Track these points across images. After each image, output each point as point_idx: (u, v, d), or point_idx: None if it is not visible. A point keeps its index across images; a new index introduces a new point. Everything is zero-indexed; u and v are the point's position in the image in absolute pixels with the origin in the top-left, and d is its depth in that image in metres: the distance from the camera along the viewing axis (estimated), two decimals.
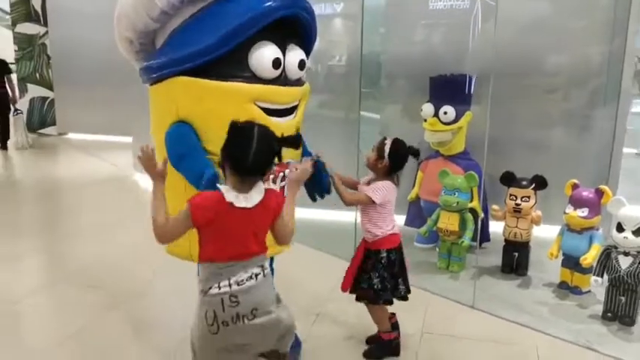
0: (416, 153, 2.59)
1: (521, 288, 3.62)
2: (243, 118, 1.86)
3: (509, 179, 3.74)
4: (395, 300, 2.60)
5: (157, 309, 3.28)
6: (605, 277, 3.16)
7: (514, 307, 3.30)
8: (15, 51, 9.64)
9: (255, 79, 2.19)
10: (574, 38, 4.39)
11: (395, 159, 2.52)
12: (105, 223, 4.95)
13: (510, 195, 3.71)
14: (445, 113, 3.98)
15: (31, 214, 5.58)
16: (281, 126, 2.22)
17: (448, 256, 3.86)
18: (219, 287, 1.79)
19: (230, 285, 1.79)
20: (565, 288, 3.54)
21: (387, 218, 2.58)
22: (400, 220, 4.16)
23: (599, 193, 3.34)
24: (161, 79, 2.24)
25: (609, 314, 3.15)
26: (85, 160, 7.92)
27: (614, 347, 2.86)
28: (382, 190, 2.51)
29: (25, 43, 9.54)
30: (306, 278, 3.61)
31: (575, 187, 3.47)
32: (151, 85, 2.34)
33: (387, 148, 2.52)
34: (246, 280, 1.82)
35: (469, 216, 3.78)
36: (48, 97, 9.80)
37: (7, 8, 10.02)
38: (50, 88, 9.76)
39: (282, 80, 2.27)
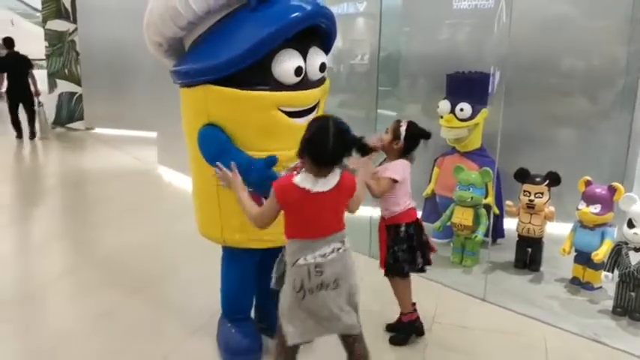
0: (428, 135, 2.72)
1: (533, 283, 3.68)
2: (267, 123, 2.30)
3: (523, 176, 3.79)
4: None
5: (180, 293, 3.42)
6: (616, 272, 3.20)
7: (525, 300, 3.36)
8: (45, 47, 9.92)
9: (278, 85, 2.33)
10: (593, 38, 4.39)
11: (410, 140, 2.67)
12: (129, 212, 5.16)
13: (524, 191, 3.76)
14: (461, 110, 4.04)
15: (59, 203, 5.87)
16: (300, 126, 2.31)
17: (462, 251, 3.92)
18: (306, 259, 2.03)
19: (315, 257, 2.03)
20: (577, 284, 3.59)
21: (405, 194, 2.73)
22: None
23: (612, 190, 3.38)
24: (190, 85, 2.43)
25: (619, 309, 3.20)
26: (110, 154, 8.14)
27: (621, 341, 2.91)
28: (400, 168, 2.66)
29: (55, 39, 9.81)
30: None
31: (588, 183, 3.52)
32: (181, 87, 2.52)
33: (402, 130, 2.66)
34: (329, 253, 2.05)
35: (483, 211, 3.85)
36: (76, 93, 10.06)
37: (39, 6, 10.32)
38: (78, 83, 10.01)
39: (304, 84, 2.40)
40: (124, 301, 3.28)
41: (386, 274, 2.80)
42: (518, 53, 4.43)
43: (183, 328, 2.96)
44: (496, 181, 4.18)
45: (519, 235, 3.86)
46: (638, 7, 4.22)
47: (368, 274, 2.90)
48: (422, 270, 2.78)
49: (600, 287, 3.50)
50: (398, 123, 2.70)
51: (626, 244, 3.16)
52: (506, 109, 4.54)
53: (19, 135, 9.27)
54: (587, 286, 3.54)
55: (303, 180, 1.98)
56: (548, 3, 4.51)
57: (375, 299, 3.04)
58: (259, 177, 2.28)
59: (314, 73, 2.43)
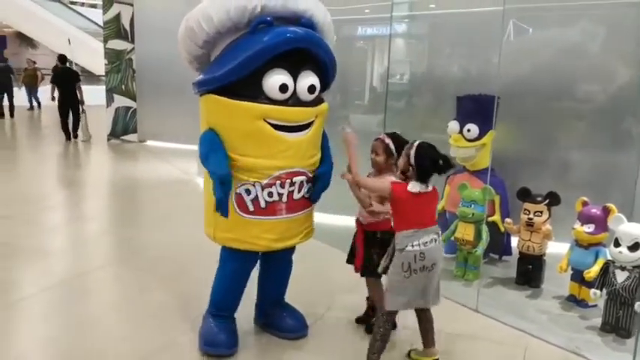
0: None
1: (529, 298, 3.81)
2: (251, 131, 2.65)
3: (524, 194, 3.95)
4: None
5: (195, 288, 3.75)
6: (605, 290, 3.32)
7: (517, 314, 3.51)
8: (105, 64, 10.73)
9: (267, 99, 2.64)
10: (604, 62, 4.51)
11: (401, 149, 2.90)
12: (165, 216, 5.72)
13: (524, 209, 3.92)
14: (469, 131, 4.25)
15: (108, 205, 6.55)
16: (289, 141, 2.70)
17: (464, 265, 4.10)
18: (412, 246, 2.58)
19: (419, 245, 2.58)
20: (573, 301, 3.70)
21: None
22: None
23: (606, 211, 3.50)
24: (201, 94, 2.80)
25: (607, 326, 3.31)
26: (157, 165, 8.73)
27: (601, 355, 3.04)
28: (384, 181, 2.88)
29: (113, 57, 10.59)
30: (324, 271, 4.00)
31: (584, 204, 3.65)
32: (199, 95, 2.88)
33: (391, 146, 2.90)
34: (429, 242, 2.61)
35: (484, 227, 4.02)
36: (131, 107, 10.78)
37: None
38: (134, 99, 10.73)
39: (293, 101, 2.69)
40: (149, 291, 3.69)
41: (362, 275, 3.06)
42: (532, 77, 4.64)
43: (190, 318, 3.29)
44: (504, 200, 4.37)
45: (520, 252, 4.00)
46: None
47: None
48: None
49: (595, 305, 3.60)
50: (383, 142, 2.92)
51: (614, 262, 3.28)
52: (517, 132, 4.75)
53: (68, 138, 10.82)
54: (582, 304, 3.64)
55: (413, 187, 2.57)
56: (562, 29, 4.67)
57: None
58: (215, 184, 2.65)
59: (303, 93, 2.70)
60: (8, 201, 6.08)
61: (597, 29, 4.59)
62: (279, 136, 2.68)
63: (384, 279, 2.90)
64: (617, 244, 3.23)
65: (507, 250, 4.44)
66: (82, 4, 31.20)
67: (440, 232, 2.72)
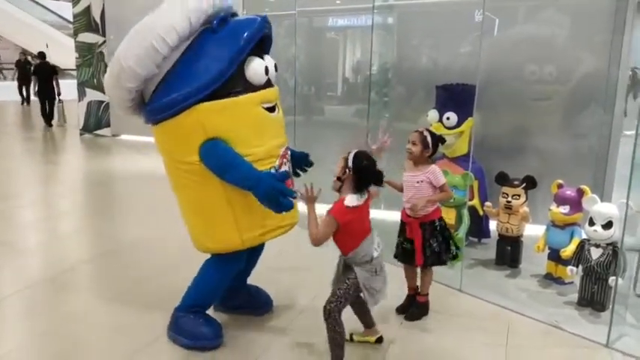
0: (443, 140, 3.32)
1: (509, 277, 3.99)
2: (258, 119, 2.78)
3: (502, 179, 4.11)
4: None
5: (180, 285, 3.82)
6: (580, 267, 3.50)
7: (498, 292, 3.68)
8: (76, 58, 10.57)
9: (253, 87, 2.76)
10: (574, 51, 4.70)
11: (435, 147, 3.15)
12: (143, 210, 5.71)
13: (503, 193, 4.08)
14: (448, 119, 4.39)
15: (83, 199, 6.48)
16: (275, 119, 2.90)
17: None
18: (376, 250, 2.68)
19: (379, 245, 2.71)
20: (550, 279, 3.89)
21: None
22: None
23: (580, 193, 3.68)
24: (181, 110, 2.65)
25: (583, 301, 3.50)
26: (133, 159, 8.69)
27: (579, 327, 3.21)
28: (440, 171, 3.15)
29: (85, 51, 10.44)
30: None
31: (560, 186, 3.83)
32: (166, 119, 2.73)
33: (429, 139, 3.11)
34: (378, 243, 2.72)
35: (465, 212, 4.17)
36: (104, 101, 10.65)
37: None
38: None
39: (269, 84, 2.87)
40: (131, 289, 3.70)
41: (425, 267, 3.25)
42: (505, 67, 4.80)
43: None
44: (482, 185, 4.53)
45: (499, 234, 4.18)
46: (619, 17, 4.49)
47: None
48: (456, 256, 3.35)
49: (572, 282, 3.78)
50: (422, 134, 3.12)
51: (589, 240, 3.46)
52: (494, 119, 4.91)
53: (47, 124, 12.32)
54: (559, 281, 3.83)
55: (351, 201, 2.55)
56: (534, 19, 4.84)
57: None
58: (271, 189, 2.60)
59: (272, 74, 2.89)
60: None
61: (567, 18, 4.78)
62: (271, 117, 2.85)
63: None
64: (591, 223, 3.42)
65: (486, 233, 4.62)
66: None
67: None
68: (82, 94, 10.67)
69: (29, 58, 16.77)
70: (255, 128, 2.77)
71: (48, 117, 12.36)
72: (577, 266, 3.50)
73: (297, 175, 3.17)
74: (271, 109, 2.86)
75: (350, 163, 2.57)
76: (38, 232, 5.06)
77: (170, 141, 2.84)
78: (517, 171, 4.18)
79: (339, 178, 2.61)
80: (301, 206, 2.70)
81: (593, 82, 4.63)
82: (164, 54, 2.62)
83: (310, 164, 3.20)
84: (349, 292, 2.67)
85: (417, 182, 3.10)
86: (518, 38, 4.75)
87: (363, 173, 2.58)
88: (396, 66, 5.93)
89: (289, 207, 2.67)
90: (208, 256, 3.02)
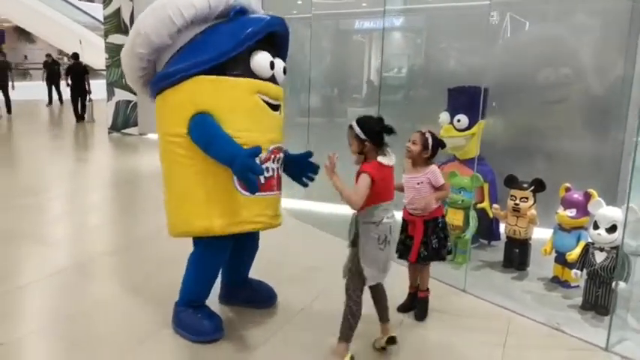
0: (444, 145, 3.27)
1: (515, 279, 4.01)
2: (250, 105, 2.82)
3: (511, 181, 4.14)
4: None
5: None
6: (585, 270, 3.51)
7: (502, 293, 3.70)
8: (105, 59, 10.89)
9: (255, 76, 2.86)
10: (589, 54, 4.69)
11: (435, 148, 3.17)
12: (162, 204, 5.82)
13: (511, 196, 4.11)
14: (458, 121, 4.43)
15: (109, 195, 6.76)
16: (276, 117, 2.99)
17: (454, 249, 4.28)
18: (388, 218, 2.68)
19: (391, 217, 2.70)
20: (556, 282, 3.90)
21: None
22: None
23: (588, 196, 3.68)
24: (181, 80, 2.78)
25: (587, 305, 3.50)
26: (158, 157, 8.90)
27: (580, 331, 3.22)
28: (439, 171, 3.19)
29: (114, 52, 10.73)
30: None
31: (567, 190, 3.84)
32: (166, 89, 2.86)
33: (430, 141, 3.15)
34: (392, 215, 2.73)
35: (473, 213, 4.21)
36: (132, 101, 10.95)
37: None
38: (134, 92, 10.87)
39: (273, 80, 2.96)
40: (146, 281, 3.86)
41: (419, 262, 3.29)
42: (519, 69, 4.82)
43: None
44: (493, 188, 4.56)
45: (507, 237, 4.20)
46: (635, 22, 4.48)
47: None
48: (450, 252, 3.45)
49: (578, 286, 3.78)
50: (423, 134, 3.16)
51: (593, 244, 3.47)
52: (507, 121, 4.94)
53: (77, 120, 13.36)
54: (565, 284, 3.84)
55: (385, 160, 2.64)
56: (550, 21, 4.84)
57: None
58: (243, 164, 2.57)
59: (280, 75, 2.99)
60: (15, 191, 6.27)
61: (584, 21, 4.77)
62: (270, 112, 2.93)
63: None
64: (595, 226, 3.43)
65: (496, 236, 4.64)
66: None
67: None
68: (110, 94, 10.99)
69: (62, 58, 17.25)
70: (245, 113, 2.83)
71: (80, 113, 13.33)
72: (582, 270, 3.51)
73: (305, 185, 3.23)
74: (273, 107, 2.96)
75: (361, 135, 2.64)
76: (65, 224, 5.33)
77: (165, 111, 2.95)
78: (530, 174, 4.18)
79: (360, 153, 2.69)
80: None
81: (608, 85, 4.62)
82: (179, 26, 2.77)
83: (315, 170, 3.19)
84: (353, 266, 2.71)
85: (417, 184, 3.15)
86: (531, 40, 4.76)
87: (374, 132, 2.65)
88: (414, 68, 6.01)
89: (253, 184, 2.62)
90: None
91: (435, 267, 3.98)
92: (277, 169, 3.00)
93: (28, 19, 24.41)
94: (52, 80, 17.06)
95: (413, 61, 6.33)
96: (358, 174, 2.63)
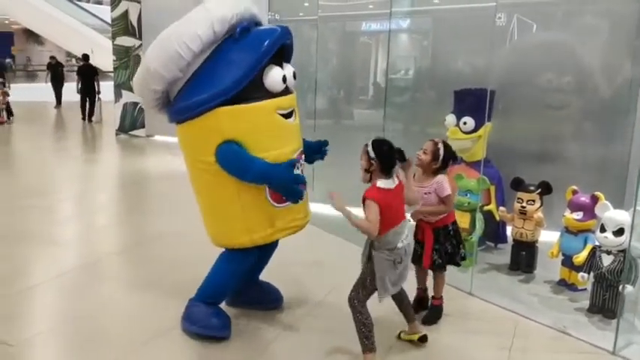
0: (456, 157, 3.38)
1: (522, 282, 4.00)
2: (273, 125, 2.92)
3: (517, 184, 4.13)
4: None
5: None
6: (592, 274, 3.50)
7: (509, 297, 3.69)
8: (113, 60, 10.94)
9: (270, 94, 2.90)
10: (597, 57, 4.68)
11: (445, 160, 3.18)
12: (172, 206, 5.86)
13: (518, 198, 4.10)
14: (465, 123, 4.43)
15: (117, 196, 6.81)
16: (291, 125, 3.01)
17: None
18: (402, 242, 2.73)
19: (406, 238, 2.76)
20: (563, 285, 3.89)
21: None
22: None
23: (595, 199, 3.67)
24: (203, 112, 2.82)
25: (594, 308, 3.49)
26: (165, 159, 8.95)
27: (587, 334, 3.22)
28: (447, 183, 3.18)
29: (122, 54, 10.80)
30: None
31: (574, 192, 3.83)
32: (187, 120, 2.91)
33: (441, 152, 3.14)
34: (408, 234, 2.80)
35: (479, 216, 4.21)
36: (139, 103, 10.96)
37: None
38: None
39: (286, 90, 3.00)
40: (154, 280, 3.88)
41: (433, 270, 3.31)
42: (526, 72, 4.81)
43: None
44: (499, 190, 4.55)
45: (514, 240, 4.19)
46: None
47: None
48: (464, 258, 3.36)
49: (585, 289, 3.77)
50: (436, 144, 3.17)
51: (600, 247, 3.46)
52: (514, 124, 4.93)
53: (84, 118, 13.53)
54: (572, 287, 3.83)
55: (384, 184, 2.67)
56: (557, 24, 4.83)
57: None
58: (282, 178, 2.78)
59: (291, 82, 3.03)
60: (24, 193, 6.32)
61: (595, 24, 4.75)
62: (286, 123, 2.99)
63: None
64: (602, 229, 3.42)
65: (503, 238, 4.63)
66: (88, 1, 31.39)
67: (408, 220, 2.89)
68: (118, 96, 11.04)
69: (70, 60, 17.30)
70: (269, 133, 2.91)
71: (88, 114, 13.51)
72: (588, 273, 3.50)
73: (312, 161, 3.32)
74: (288, 115, 3.00)
75: (371, 153, 2.69)
76: (74, 225, 5.38)
77: (191, 140, 3.03)
78: (537, 177, 4.16)
79: (366, 170, 2.74)
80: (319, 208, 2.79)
81: (615, 87, 4.60)
82: (188, 60, 2.80)
83: (326, 152, 3.33)
84: (366, 280, 2.76)
85: (425, 194, 3.14)
86: (537, 44, 4.75)
87: (385, 156, 2.70)
88: (419, 71, 6.01)
89: (300, 194, 2.85)
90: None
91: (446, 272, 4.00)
92: (302, 171, 3.09)
93: (36, 21, 24.51)
94: (56, 82, 16.86)
95: (419, 63, 6.33)
96: (364, 199, 2.68)
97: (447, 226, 3.26)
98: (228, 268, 3.11)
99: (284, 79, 2.93)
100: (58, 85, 16.81)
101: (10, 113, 13.07)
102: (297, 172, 2.95)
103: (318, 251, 4.51)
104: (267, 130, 2.91)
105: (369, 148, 2.71)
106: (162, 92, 2.99)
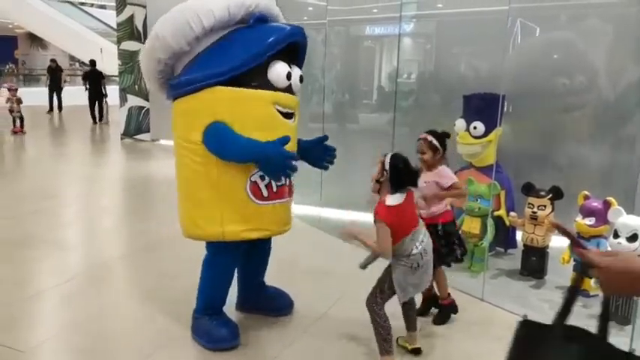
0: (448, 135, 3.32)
1: (532, 288, 3.98)
2: (266, 117, 2.82)
3: (528, 189, 4.11)
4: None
5: None
6: None
7: (519, 302, 3.68)
8: (119, 65, 10.96)
9: (272, 87, 2.85)
10: (609, 60, 4.65)
11: (443, 145, 3.26)
12: (175, 211, 5.83)
13: (528, 203, 4.08)
14: (475, 128, 4.41)
15: (121, 200, 6.80)
16: (289, 125, 2.95)
17: (471, 257, 4.26)
18: (417, 247, 2.72)
19: (421, 243, 2.75)
20: None
21: None
22: None
23: (607, 204, 3.65)
24: (200, 89, 2.78)
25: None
26: (169, 163, 8.93)
27: None
28: (448, 172, 3.23)
29: (127, 58, 10.82)
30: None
31: (586, 198, 3.80)
32: (184, 95, 2.87)
33: (435, 142, 3.20)
34: (424, 238, 2.79)
35: (490, 221, 4.18)
36: (144, 107, 11.00)
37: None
38: (146, 98, 10.94)
39: (289, 90, 2.95)
40: (159, 285, 3.86)
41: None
42: (536, 76, 4.79)
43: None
44: (509, 195, 4.53)
45: (524, 245, 4.17)
46: None
47: None
48: (460, 260, 3.36)
49: (597, 295, 3.74)
50: (425, 139, 3.21)
51: None
52: (524, 129, 4.91)
53: (94, 122, 14.20)
54: (584, 294, 3.79)
55: (392, 200, 2.66)
56: (568, 28, 4.82)
57: None
58: (270, 149, 2.68)
59: (296, 83, 2.97)
60: (30, 196, 6.32)
61: (603, 28, 4.74)
62: (285, 122, 2.91)
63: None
64: (616, 235, 3.39)
65: (513, 244, 4.61)
66: (92, 5, 31.53)
67: (424, 224, 2.91)
68: (123, 100, 11.06)
69: (73, 64, 17.41)
70: (261, 124, 2.82)
71: (99, 116, 14.30)
72: None
73: (326, 168, 3.30)
74: (288, 116, 2.94)
75: (387, 166, 2.68)
76: (78, 229, 5.39)
77: (183, 117, 2.95)
78: (548, 182, 4.14)
79: (377, 181, 2.73)
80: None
81: (627, 91, 4.58)
82: (197, 33, 2.75)
83: (332, 153, 3.25)
84: (384, 285, 2.75)
85: (425, 182, 3.15)
86: (548, 46, 4.73)
87: (400, 174, 2.69)
88: (427, 75, 6.00)
89: (291, 168, 2.73)
90: None
91: (453, 276, 3.97)
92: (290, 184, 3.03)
93: (40, 25, 24.64)
94: (54, 86, 16.41)
95: (425, 67, 6.33)
96: (375, 216, 2.67)
97: (437, 225, 3.24)
98: (212, 275, 3.04)
99: (288, 76, 2.89)
100: (55, 89, 16.38)
101: (22, 121, 11.90)
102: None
103: (326, 256, 4.49)
104: (261, 120, 2.83)
105: (387, 159, 2.70)
106: (166, 64, 2.93)
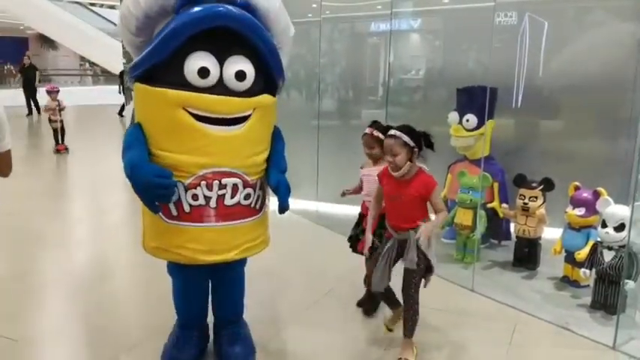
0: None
1: (524, 279, 3.99)
2: (170, 122, 2.32)
3: (520, 180, 4.11)
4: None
5: None
6: (594, 270, 3.48)
7: (511, 293, 3.68)
8: (123, 63, 11.08)
9: (188, 86, 2.31)
10: (601, 52, 4.64)
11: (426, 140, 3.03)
12: None
13: (520, 195, 4.09)
14: (467, 121, 4.42)
15: (126, 198, 6.76)
16: (213, 134, 2.35)
17: (463, 249, 4.28)
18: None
19: None
20: (566, 281, 3.86)
21: None
22: None
23: (597, 195, 3.65)
24: (135, 80, 2.45)
25: (597, 304, 3.47)
26: None
27: (588, 330, 3.20)
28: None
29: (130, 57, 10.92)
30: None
31: (576, 188, 3.80)
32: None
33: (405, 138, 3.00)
34: None
35: (482, 213, 4.19)
36: None
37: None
38: None
39: (220, 90, 2.35)
40: (160, 283, 3.90)
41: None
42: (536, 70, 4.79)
43: None
44: (503, 187, 4.54)
45: (517, 236, 4.18)
46: None
47: None
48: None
49: (588, 285, 3.74)
50: (395, 137, 2.89)
51: (602, 243, 3.44)
52: (517, 121, 4.91)
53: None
54: (575, 284, 3.81)
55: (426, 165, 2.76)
56: (558, 20, 4.80)
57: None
58: (142, 177, 2.26)
59: (231, 81, 2.36)
60: (34, 195, 6.42)
61: (594, 20, 4.73)
62: (202, 129, 2.33)
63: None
64: (604, 225, 3.39)
65: (507, 235, 4.61)
66: (101, 6, 31.75)
67: None
68: (129, 99, 11.18)
69: (83, 64, 17.58)
70: (169, 131, 2.36)
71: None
72: (590, 269, 3.48)
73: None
74: (210, 121, 2.35)
75: (410, 142, 2.64)
76: (83, 227, 5.45)
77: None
78: (540, 174, 4.14)
79: (410, 160, 2.68)
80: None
81: (622, 83, 4.57)
82: (134, 23, 2.37)
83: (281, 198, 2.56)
84: (420, 265, 2.75)
85: (368, 175, 3.15)
86: (545, 40, 4.72)
87: (421, 138, 2.70)
88: (422, 70, 6.00)
89: (154, 207, 2.33)
90: None
91: (445, 267, 4.01)
92: (220, 197, 2.42)
93: (50, 26, 24.84)
94: (27, 87, 14.22)
95: (422, 63, 6.31)
96: (430, 184, 2.70)
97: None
98: (173, 284, 2.77)
99: (201, 72, 2.29)
100: (29, 90, 14.28)
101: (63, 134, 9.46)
102: (204, 191, 2.38)
103: (321, 250, 4.53)
104: (167, 126, 2.35)
105: (406, 138, 2.63)
106: (133, 53, 2.54)
